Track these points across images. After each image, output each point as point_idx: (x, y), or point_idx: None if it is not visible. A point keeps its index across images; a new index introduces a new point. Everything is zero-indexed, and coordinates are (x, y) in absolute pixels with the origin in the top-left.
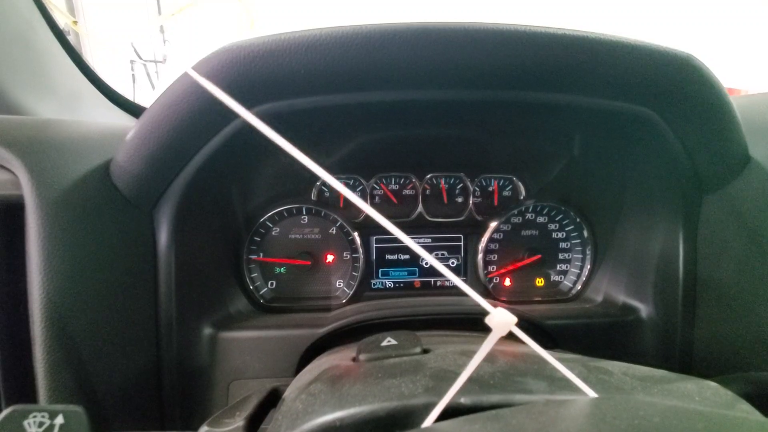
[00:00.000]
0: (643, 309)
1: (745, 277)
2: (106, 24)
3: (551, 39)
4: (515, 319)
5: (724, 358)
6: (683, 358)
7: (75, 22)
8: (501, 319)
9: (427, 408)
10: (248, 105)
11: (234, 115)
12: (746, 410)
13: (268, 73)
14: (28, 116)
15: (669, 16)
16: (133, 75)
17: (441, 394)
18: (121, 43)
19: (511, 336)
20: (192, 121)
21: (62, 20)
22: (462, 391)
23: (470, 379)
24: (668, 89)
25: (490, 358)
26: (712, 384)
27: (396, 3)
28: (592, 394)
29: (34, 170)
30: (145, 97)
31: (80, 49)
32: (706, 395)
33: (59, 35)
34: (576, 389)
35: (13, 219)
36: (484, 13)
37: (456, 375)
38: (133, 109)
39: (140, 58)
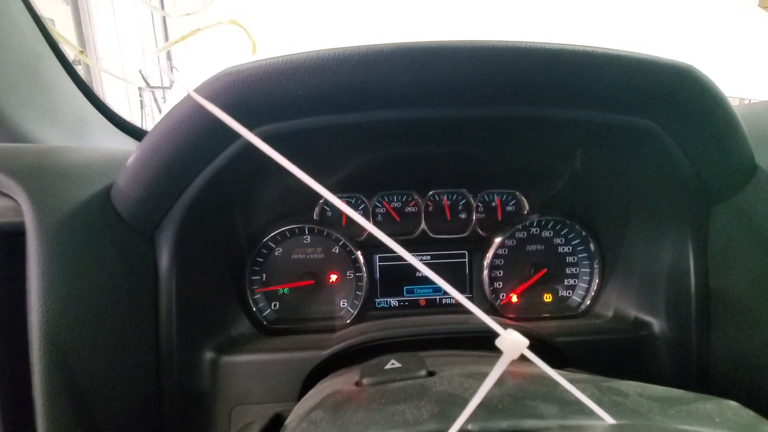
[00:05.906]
0: (656, 324)
1: (760, 289)
2: (115, 54)
3: (551, 54)
4: (527, 342)
5: (743, 374)
6: (700, 374)
7: (82, 52)
8: (513, 342)
9: None
10: (249, 127)
11: (234, 138)
12: None
13: (268, 95)
14: (32, 144)
15: (669, 27)
16: (141, 101)
17: (447, 421)
18: (131, 72)
19: (520, 356)
20: (192, 144)
21: (71, 52)
22: (468, 416)
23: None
24: (670, 101)
25: (497, 379)
26: (733, 404)
27: (393, 23)
28: (607, 418)
29: (35, 196)
30: (154, 122)
31: (91, 79)
32: (726, 416)
33: (66, 65)
34: (590, 413)
35: (14, 246)
36: (480, 30)
37: (463, 399)
38: (138, 135)
39: (148, 85)
